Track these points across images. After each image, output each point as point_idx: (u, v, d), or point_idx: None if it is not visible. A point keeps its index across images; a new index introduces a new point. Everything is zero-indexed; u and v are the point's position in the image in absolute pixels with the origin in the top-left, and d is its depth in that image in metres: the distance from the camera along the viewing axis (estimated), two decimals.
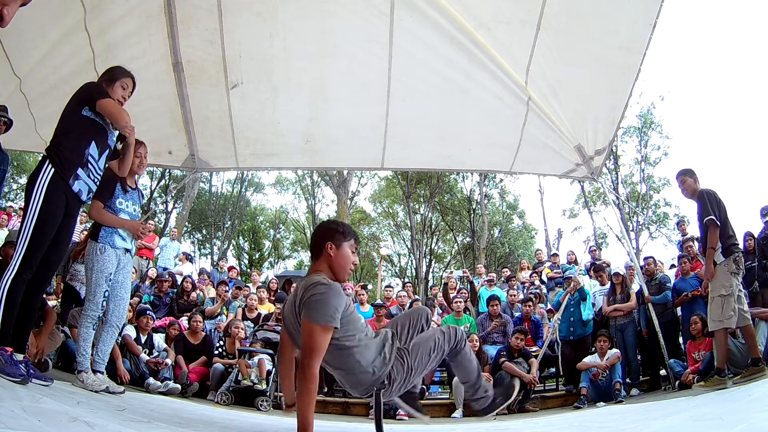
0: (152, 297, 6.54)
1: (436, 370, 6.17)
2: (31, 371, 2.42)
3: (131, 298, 4.87)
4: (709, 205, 3.89)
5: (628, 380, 5.22)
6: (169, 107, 5.02)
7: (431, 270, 25.85)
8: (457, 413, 4.89)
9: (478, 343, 5.34)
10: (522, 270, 9.37)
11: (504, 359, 5.12)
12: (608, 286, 5.91)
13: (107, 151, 2.83)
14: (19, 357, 2.40)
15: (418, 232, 24.01)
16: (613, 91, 4.59)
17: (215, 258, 22.82)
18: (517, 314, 6.46)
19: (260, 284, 7.94)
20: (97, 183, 2.81)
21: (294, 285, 7.80)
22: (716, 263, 3.84)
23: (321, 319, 1.80)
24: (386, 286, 8.54)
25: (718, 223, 3.84)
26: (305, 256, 27.08)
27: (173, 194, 21.56)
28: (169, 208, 23.33)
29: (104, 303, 3.06)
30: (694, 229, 6.38)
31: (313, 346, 1.79)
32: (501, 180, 24.31)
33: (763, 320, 4.36)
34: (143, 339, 5.03)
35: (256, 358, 4.95)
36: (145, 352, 4.89)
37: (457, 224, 24.83)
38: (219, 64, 4.67)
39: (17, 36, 3.87)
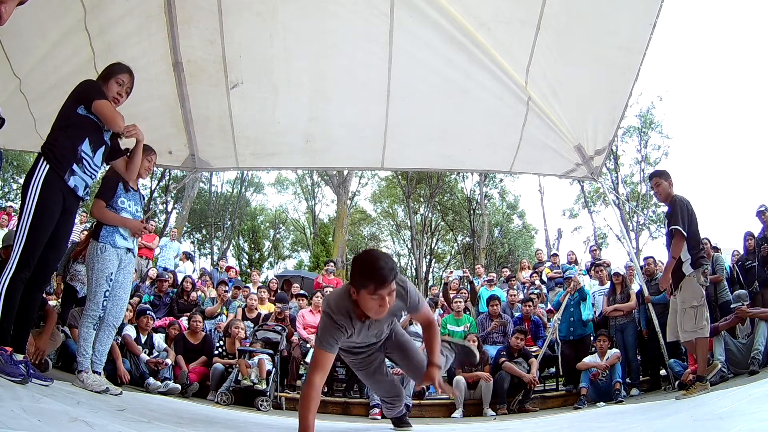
0: (152, 297, 6.54)
1: None
2: (31, 371, 2.42)
3: (131, 298, 4.87)
4: (680, 214, 3.84)
5: (628, 380, 5.21)
6: (169, 107, 5.02)
7: (431, 270, 25.86)
8: (457, 413, 4.89)
9: (476, 344, 5.33)
10: (522, 270, 9.38)
11: (504, 359, 5.13)
12: (608, 285, 5.91)
13: (102, 148, 2.83)
14: (19, 357, 2.40)
15: (418, 232, 24.02)
16: (613, 91, 4.59)
17: (215, 258, 22.83)
18: (517, 314, 6.46)
19: (260, 284, 7.94)
20: (94, 178, 2.80)
21: (294, 285, 7.82)
22: (686, 275, 3.82)
23: (317, 343, 2.12)
24: None
25: (685, 233, 3.80)
26: (305, 256, 27.11)
27: (173, 194, 21.55)
28: (169, 208, 23.36)
29: (105, 303, 3.06)
30: None
31: (312, 364, 2.11)
32: (501, 180, 24.33)
33: (763, 320, 4.36)
34: (143, 339, 5.03)
35: (256, 358, 4.95)
36: (145, 352, 4.88)
37: (457, 224, 24.84)
38: (219, 64, 4.67)
39: (17, 36, 3.87)
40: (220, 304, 6.38)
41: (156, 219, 19.90)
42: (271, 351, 5.07)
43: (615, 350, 5.06)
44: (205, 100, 5.01)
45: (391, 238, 28.11)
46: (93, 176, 2.78)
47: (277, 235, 28.94)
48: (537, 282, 8.14)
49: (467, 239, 24.56)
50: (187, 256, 9.70)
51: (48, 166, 2.50)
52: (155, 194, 22.17)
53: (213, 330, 6.03)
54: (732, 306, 4.78)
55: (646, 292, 5.29)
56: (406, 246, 26.17)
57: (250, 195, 27.97)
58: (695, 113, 38.97)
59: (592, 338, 5.74)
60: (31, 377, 2.31)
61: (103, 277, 3.02)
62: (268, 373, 4.85)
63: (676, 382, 4.64)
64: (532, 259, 11.68)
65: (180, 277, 7.27)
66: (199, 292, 7.04)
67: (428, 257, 25.46)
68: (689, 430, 2.20)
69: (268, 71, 4.80)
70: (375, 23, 4.30)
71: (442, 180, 22.66)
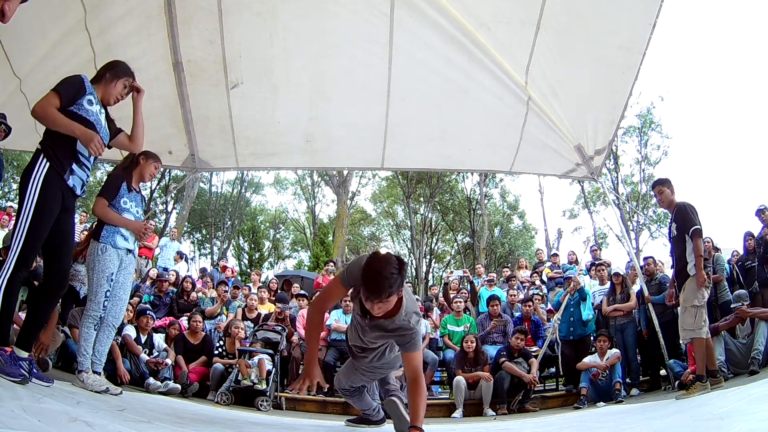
0: (152, 297, 6.54)
1: (436, 370, 6.17)
2: (34, 370, 2.42)
3: (131, 298, 4.87)
4: (693, 215, 3.95)
5: (628, 380, 5.21)
6: (169, 107, 5.02)
7: (431, 270, 25.86)
8: (457, 413, 4.90)
9: (474, 344, 5.34)
10: (520, 269, 9.37)
11: (504, 359, 5.13)
12: (608, 285, 5.91)
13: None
14: (24, 354, 2.39)
15: (418, 232, 24.03)
16: (613, 90, 4.59)
17: (215, 258, 22.83)
18: (517, 314, 6.46)
19: (260, 284, 7.94)
20: (89, 175, 2.75)
21: (294, 285, 7.82)
22: (690, 275, 3.87)
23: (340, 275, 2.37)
24: None
25: (702, 232, 3.89)
26: (305, 256, 27.10)
27: (173, 194, 21.56)
28: (169, 208, 23.35)
29: (106, 303, 3.06)
30: None
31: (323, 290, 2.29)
32: (501, 180, 24.33)
33: (763, 320, 4.36)
34: (143, 339, 5.03)
35: (256, 358, 4.95)
36: (145, 352, 4.88)
37: (457, 224, 24.84)
38: (219, 64, 4.67)
39: (17, 36, 3.87)
40: (220, 304, 6.38)
41: (156, 219, 19.93)
42: (271, 351, 5.07)
43: (615, 350, 5.06)
44: (205, 100, 5.01)
45: (391, 238, 28.12)
46: (88, 173, 2.73)
47: (277, 235, 28.93)
48: (537, 282, 8.14)
49: (467, 239, 24.57)
50: (181, 256, 9.68)
51: (48, 164, 2.46)
52: (155, 194, 22.18)
53: (213, 330, 6.03)
54: (732, 306, 4.78)
55: (646, 292, 5.29)
56: (406, 246, 26.18)
57: (249, 195, 27.98)
58: (695, 113, 39.01)
59: (592, 338, 5.75)
60: (32, 377, 2.31)
61: (103, 278, 3.02)
62: (268, 373, 4.85)
63: (676, 382, 4.64)
64: (531, 259, 11.68)
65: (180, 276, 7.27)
66: (199, 293, 7.04)
67: (428, 257, 25.45)
68: (689, 430, 2.20)
69: (268, 71, 4.80)
70: (375, 23, 4.30)
71: (442, 180, 22.66)
